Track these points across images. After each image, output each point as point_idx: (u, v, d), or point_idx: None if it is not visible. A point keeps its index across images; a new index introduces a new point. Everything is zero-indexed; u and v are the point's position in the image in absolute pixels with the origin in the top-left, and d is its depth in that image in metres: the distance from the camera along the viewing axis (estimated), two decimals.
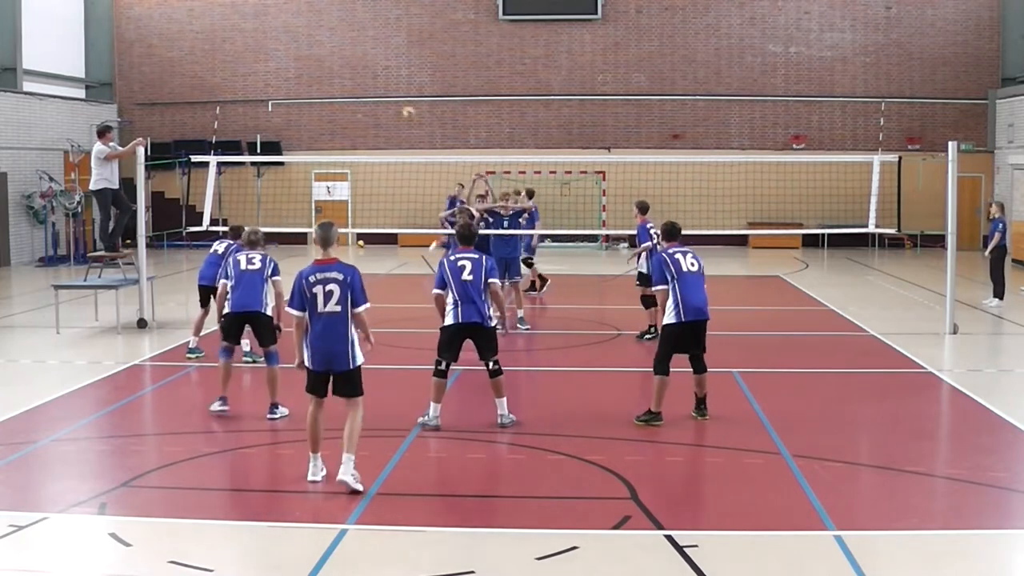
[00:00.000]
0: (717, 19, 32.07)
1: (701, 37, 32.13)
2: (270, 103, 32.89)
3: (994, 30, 31.50)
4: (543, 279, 19.54)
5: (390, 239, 31.13)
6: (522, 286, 16.95)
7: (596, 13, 31.94)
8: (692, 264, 10.84)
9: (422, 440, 9.97)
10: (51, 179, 27.57)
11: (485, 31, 32.44)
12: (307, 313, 8.56)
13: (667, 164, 27.21)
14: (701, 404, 10.84)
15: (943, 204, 21.88)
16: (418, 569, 6.92)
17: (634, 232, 16.11)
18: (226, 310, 11.27)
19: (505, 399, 10.54)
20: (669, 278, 10.65)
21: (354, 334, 8.70)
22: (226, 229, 13.61)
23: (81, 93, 32.41)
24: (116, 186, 16.93)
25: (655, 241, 15.05)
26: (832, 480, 8.79)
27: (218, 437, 10.33)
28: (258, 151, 32.14)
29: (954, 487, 8.79)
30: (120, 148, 18.14)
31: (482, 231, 16.44)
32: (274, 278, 11.19)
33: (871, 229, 18.08)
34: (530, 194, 19.26)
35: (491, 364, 10.43)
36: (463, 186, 19.62)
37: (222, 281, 11.37)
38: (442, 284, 10.39)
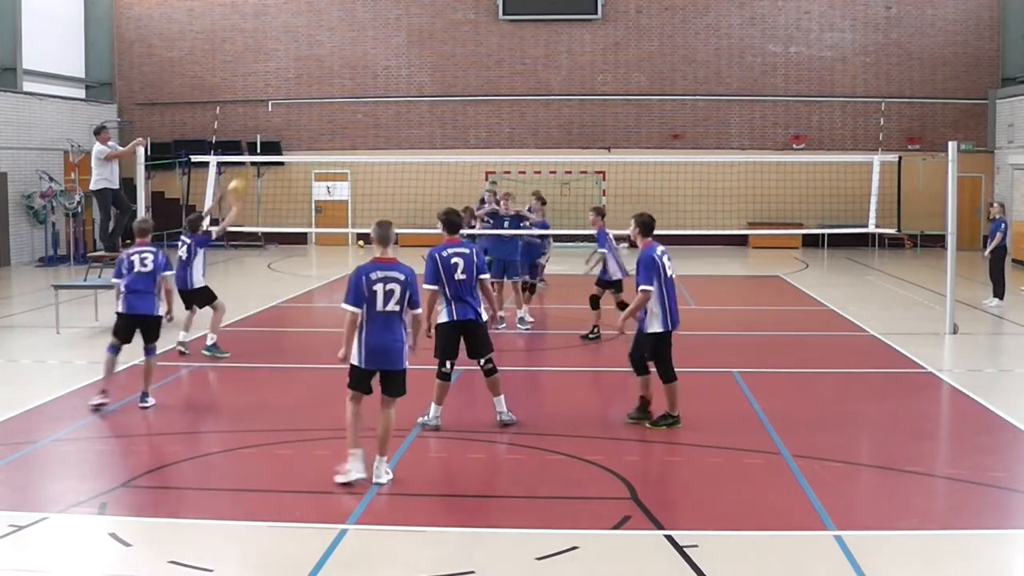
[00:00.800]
0: (717, 19, 32.08)
1: (701, 37, 32.13)
2: (270, 103, 32.90)
3: (994, 30, 31.51)
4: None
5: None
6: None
7: (596, 13, 31.94)
8: (671, 269, 10.48)
9: (422, 440, 9.97)
10: (51, 179, 27.57)
11: (485, 31, 32.44)
12: (363, 310, 8.57)
13: (667, 164, 27.21)
14: (670, 414, 10.45)
15: (943, 204, 21.88)
16: (418, 569, 6.91)
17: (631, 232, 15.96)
18: (120, 309, 11.37)
19: (503, 397, 10.50)
20: (656, 280, 10.16)
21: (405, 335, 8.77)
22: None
23: (81, 93, 32.42)
24: (116, 186, 16.92)
25: (614, 247, 15.14)
26: (832, 480, 8.79)
27: (218, 437, 10.33)
28: (258, 151, 32.14)
29: (954, 487, 8.79)
30: (120, 148, 18.14)
31: (482, 231, 16.46)
32: (164, 273, 11.40)
33: (871, 229, 18.08)
34: (541, 199, 17.99)
35: (484, 363, 10.36)
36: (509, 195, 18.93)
37: (115, 281, 11.45)
38: (436, 280, 10.08)
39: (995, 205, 20.18)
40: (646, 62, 32.25)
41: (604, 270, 15.28)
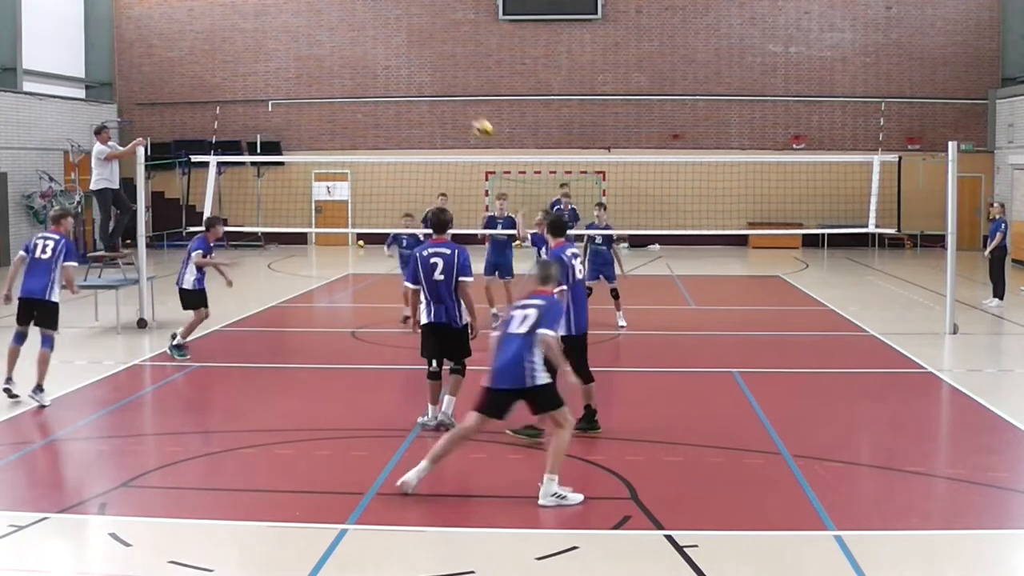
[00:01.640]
0: (717, 19, 32.08)
1: (701, 37, 32.13)
2: (270, 103, 32.89)
3: (994, 30, 31.50)
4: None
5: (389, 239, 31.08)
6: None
7: (596, 13, 31.94)
8: (580, 271, 10.03)
9: (422, 440, 9.96)
10: (51, 179, 27.57)
11: (485, 31, 32.44)
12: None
13: (667, 164, 27.22)
14: (593, 416, 10.21)
15: (943, 204, 21.86)
16: (418, 569, 6.91)
17: (637, 232, 16.05)
18: (19, 294, 11.70)
19: (455, 400, 10.24)
20: (564, 282, 9.70)
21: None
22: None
23: (81, 93, 32.42)
24: (116, 186, 16.93)
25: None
26: (832, 480, 8.79)
27: (218, 437, 10.33)
28: (258, 151, 32.13)
29: (954, 487, 8.79)
30: (120, 148, 18.13)
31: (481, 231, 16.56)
32: (65, 263, 11.64)
33: (871, 229, 18.09)
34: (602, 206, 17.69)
35: (453, 365, 10.26)
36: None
37: (20, 254, 11.80)
38: (415, 279, 10.11)
39: (995, 205, 20.18)
40: (646, 62, 32.25)
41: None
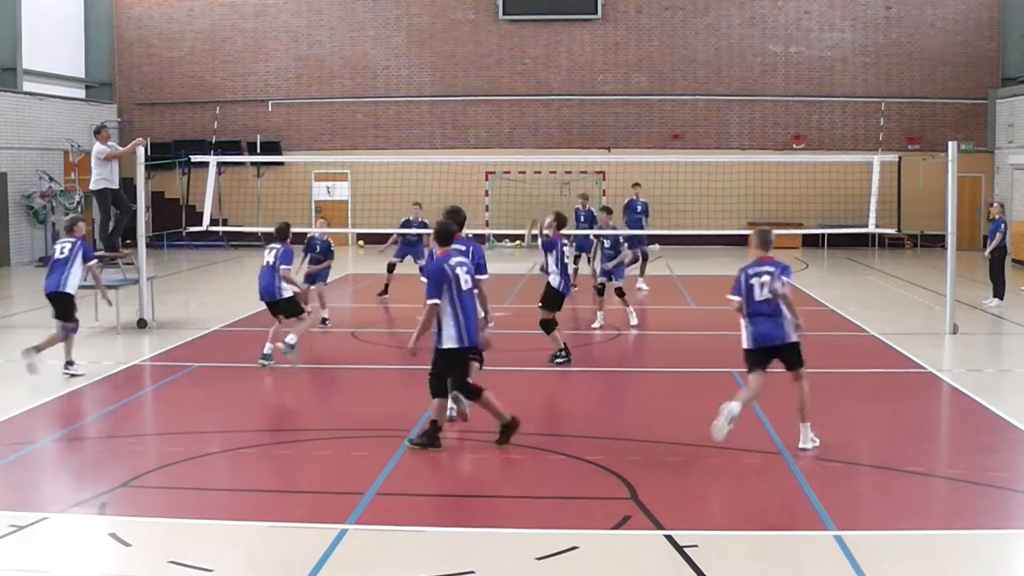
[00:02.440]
0: (717, 19, 32.08)
1: (701, 37, 32.14)
2: (270, 103, 32.90)
3: (994, 30, 31.51)
4: None
5: (388, 239, 31.07)
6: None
7: (596, 13, 31.95)
8: (466, 280, 9.39)
9: None
10: (51, 179, 27.58)
11: (485, 31, 32.45)
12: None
13: (667, 164, 27.21)
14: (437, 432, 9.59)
15: (943, 204, 21.86)
16: (418, 569, 6.91)
17: (637, 232, 16.16)
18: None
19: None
20: (447, 293, 9.27)
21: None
22: (271, 231, 13.99)
23: (81, 93, 32.42)
24: (116, 186, 16.93)
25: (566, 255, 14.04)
26: (832, 480, 8.79)
27: (218, 437, 10.33)
28: (258, 151, 32.14)
29: (954, 487, 8.79)
30: (120, 148, 18.13)
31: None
32: (87, 263, 13.14)
33: (871, 229, 18.07)
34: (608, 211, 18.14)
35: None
36: (587, 196, 21.20)
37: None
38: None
39: (995, 205, 20.17)
40: (646, 62, 32.25)
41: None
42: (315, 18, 32.78)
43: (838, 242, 30.61)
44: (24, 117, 27.76)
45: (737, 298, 9.84)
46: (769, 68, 32.07)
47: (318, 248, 16.71)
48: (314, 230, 17.29)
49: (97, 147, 16.59)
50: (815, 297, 20.42)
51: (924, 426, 11.00)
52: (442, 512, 8.17)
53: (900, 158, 21.06)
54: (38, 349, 12.61)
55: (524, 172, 30.76)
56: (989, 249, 19.14)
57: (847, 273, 25.45)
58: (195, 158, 20.64)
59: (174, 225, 31.01)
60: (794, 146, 31.84)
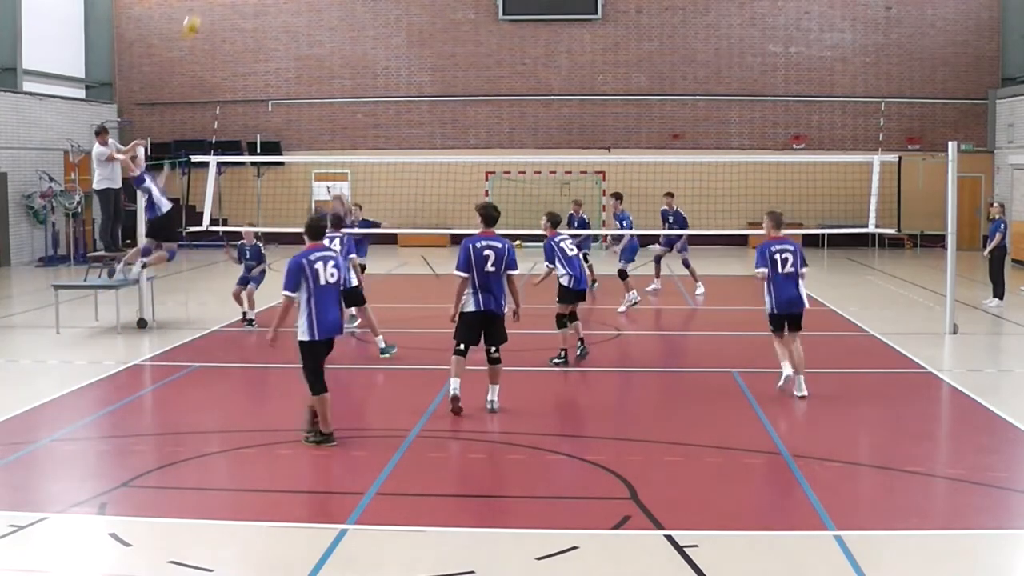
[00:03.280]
0: (717, 19, 32.08)
1: (701, 37, 32.13)
2: (270, 103, 32.90)
3: (994, 30, 31.51)
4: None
5: (390, 239, 31.10)
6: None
7: (596, 13, 31.95)
8: (331, 275, 9.68)
9: (422, 440, 9.97)
10: (51, 179, 27.57)
11: (485, 31, 32.45)
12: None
13: (667, 164, 27.19)
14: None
15: (943, 204, 21.86)
16: (418, 569, 6.91)
17: (636, 232, 16.35)
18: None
19: (499, 387, 10.89)
20: (304, 286, 9.59)
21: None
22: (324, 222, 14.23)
23: (81, 93, 32.42)
24: (119, 186, 16.95)
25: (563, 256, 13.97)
26: (832, 480, 8.79)
27: (218, 437, 10.33)
28: (258, 151, 32.13)
29: (954, 487, 8.79)
30: (120, 146, 18.10)
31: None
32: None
33: (871, 229, 18.06)
34: (619, 197, 19.87)
35: (494, 351, 10.81)
36: (580, 203, 21.79)
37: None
38: (466, 268, 10.57)
39: (995, 205, 20.16)
40: (646, 62, 32.25)
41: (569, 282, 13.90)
42: (315, 18, 32.78)
43: (838, 242, 30.61)
44: (24, 117, 27.75)
45: (764, 269, 11.72)
46: (769, 68, 32.07)
47: (248, 255, 16.99)
48: (245, 229, 17.64)
49: (96, 148, 16.58)
50: (815, 297, 20.39)
51: (924, 426, 11.00)
52: (442, 512, 8.17)
53: (900, 158, 21.06)
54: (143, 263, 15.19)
55: (524, 172, 30.77)
56: (989, 249, 19.14)
57: (847, 273, 25.46)
58: (195, 158, 20.62)
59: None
60: (794, 146, 31.84)
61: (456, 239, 28.35)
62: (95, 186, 16.79)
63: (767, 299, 11.86)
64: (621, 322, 17.33)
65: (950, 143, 16.60)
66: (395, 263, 27.09)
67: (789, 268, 11.71)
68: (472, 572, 6.80)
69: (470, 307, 10.66)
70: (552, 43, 32.37)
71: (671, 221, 20.83)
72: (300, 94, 32.87)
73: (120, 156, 16.55)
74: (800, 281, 11.81)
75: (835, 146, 31.89)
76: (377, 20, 32.65)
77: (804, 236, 30.63)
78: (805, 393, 11.52)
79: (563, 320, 13.76)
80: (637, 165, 27.99)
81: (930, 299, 19.82)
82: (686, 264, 20.60)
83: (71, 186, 27.98)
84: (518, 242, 17.22)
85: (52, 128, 28.75)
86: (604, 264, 22.43)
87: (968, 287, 20.85)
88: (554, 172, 30.87)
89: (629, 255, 18.81)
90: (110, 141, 16.91)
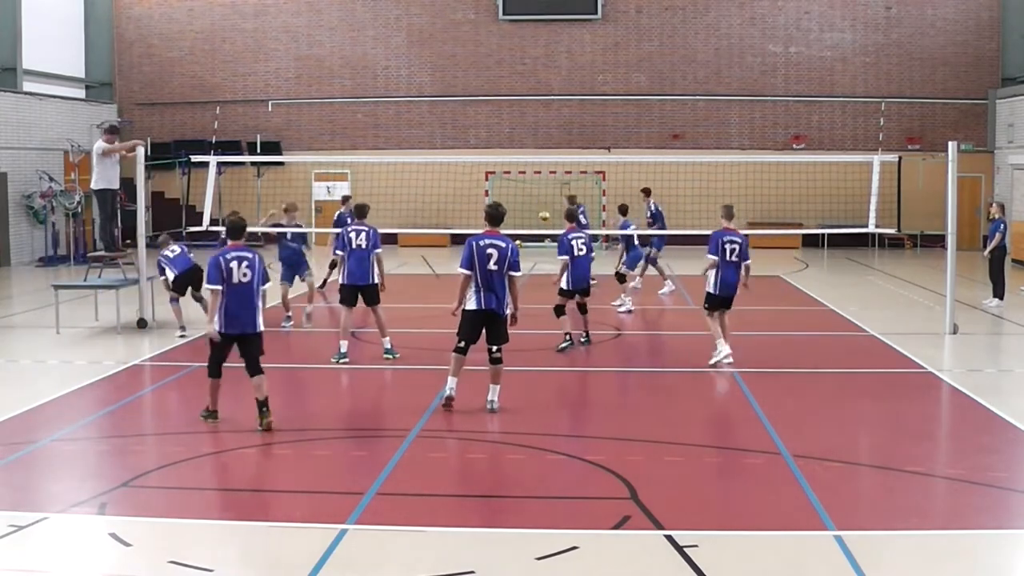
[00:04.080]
0: (717, 19, 32.08)
1: (701, 37, 32.13)
2: (270, 103, 32.90)
3: (994, 30, 31.51)
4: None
5: (390, 239, 31.07)
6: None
7: (596, 13, 31.94)
8: (244, 274, 10.42)
9: (422, 440, 9.97)
10: (51, 179, 27.57)
11: (485, 31, 32.44)
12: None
13: (667, 164, 27.20)
14: (263, 408, 10.29)
15: (943, 204, 21.87)
16: (418, 569, 6.91)
17: (637, 232, 16.35)
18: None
19: (499, 388, 10.91)
20: (221, 282, 10.41)
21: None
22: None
23: (81, 93, 32.42)
24: (117, 186, 16.94)
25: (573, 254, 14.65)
26: (832, 480, 8.79)
27: (218, 437, 10.32)
28: (258, 151, 32.13)
29: (954, 487, 8.79)
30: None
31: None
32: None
33: (871, 229, 18.07)
34: (623, 210, 19.48)
35: (495, 350, 10.85)
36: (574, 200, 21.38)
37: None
38: (470, 265, 10.70)
39: (994, 205, 20.16)
40: (646, 62, 32.25)
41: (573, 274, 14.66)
42: (315, 18, 32.78)
43: (838, 242, 30.60)
44: (24, 117, 27.75)
45: (715, 257, 13.31)
46: (769, 68, 32.07)
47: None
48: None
49: (98, 143, 16.62)
50: (815, 297, 20.43)
51: (924, 426, 11.00)
52: (442, 512, 8.17)
53: (900, 158, 21.07)
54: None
55: (524, 172, 30.76)
56: (989, 249, 19.14)
57: (847, 273, 25.45)
58: (195, 158, 20.63)
59: (174, 225, 30.96)
60: (794, 146, 31.84)
61: (456, 239, 28.37)
62: (93, 186, 16.80)
63: (712, 282, 13.37)
64: (621, 322, 17.33)
65: (950, 143, 16.59)
66: (395, 263, 27.08)
67: (735, 257, 13.39)
68: (472, 572, 6.80)
69: (471, 305, 10.77)
70: (552, 43, 32.37)
71: (651, 219, 20.86)
72: (300, 94, 32.87)
73: (116, 146, 16.63)
74: (740, 271, 13.48)
75: (835, 146, 31.89)
76: (377, 20, 32.65)
77: (804, 236, 30.67)
78: (729, 359, 13.23)
79: (561, 309, 14.58)
80: (637, 165, 27.99)
81: (930, 299, 19.82)
82: (653, 261, 20.59)
83: (71, 186, 27.98)
84: (518, 241, 17.23)
85: (52, 128, 28.75)
86: (603, 264, 22.40)
87: (968, 287, 20.85)
88: (554, 172, 30.87)
89: (632, 263, 18.87)
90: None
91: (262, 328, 10.55)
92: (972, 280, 22.28)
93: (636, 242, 19.08)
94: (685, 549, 7.12)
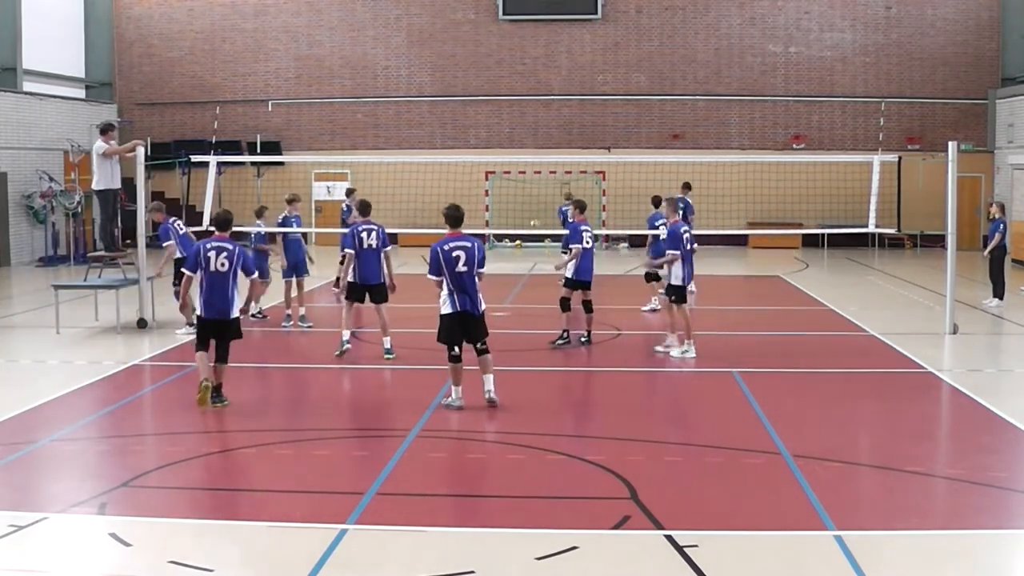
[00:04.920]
0: (717, 19, 32.08)
1: (701, 37, 32.14)
2: (270, 103, 32.90)
3: (994, 30, 31.51)
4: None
5: (390, 239, 31.05)
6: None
7: (596, 13, 31.95)
8: (223, 264, 11.15)
9: (422, 440, 9.97)
10: (51, 179, 27.57)
11: (485, 31, 32.45)
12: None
13: (667, 164, 27.20)
14: (217, 391, 11.14)
15: (943, 204, 21.88)
16: (418, 569, 6.91)
17: (637, 232, 16.32)
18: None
19: (492, 376, 10.99)
20: (202, 271, 11.12)
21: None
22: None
23: (81, 93, 32.42)
24: (118, 186, 16.93)
25: (590, 245, 14.87)
26: (832, 480, 8.79)
27: (218, 437, 10.33)
28: (258, 151, 32.13)
29: (954, 487, 8.79)
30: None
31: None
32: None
33: (871, 229, 18.08)
34: (656, 202, 19.18)
35: (480, 345, 10.95)
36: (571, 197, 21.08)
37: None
38: (438, 271, 10.77)
39: (994, 205, 20.17)
40: (646, 62, 32.25)
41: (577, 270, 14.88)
42: (315, 18, 32.78)
43: (838, 242, 30.61)
44: (24, 117, 27.75)
45: (678, 251, 13.62)
46: (769, 68, 32.07)
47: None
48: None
49: (97, 144, 16.62)
50: (815, 297, 20.43)
51: (924, 426, 11.00)
52: (442, 512, 8.17)
53: (900, 158, 21.10)
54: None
55: (524, 172, 30.77)
56: (988, 249, 19.14)
57: (847, 273, 25.45)
58: (195, 158, 20.64)
59: None
60: (794, 146, 31.85)
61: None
62: (94, 187, 16.80)
63: (678, 274, 13.71)
64: (621, 322, 17.32)
65: (950, 143, 16.60)
66: (395, 263, 27.05)
67: (693, 245, 13.98)
68: (472, 572, 6.80)
69: (447, 309, 10.83)
70: (552, 43, 32.37)
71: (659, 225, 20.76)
72: (300, 94, 32.88)
73: (116, 148, 16.64)
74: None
75: (835, 146, 31.89)
76: (377, 20, 32.66)
77: (804, 236, 30.67)
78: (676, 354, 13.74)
79: (567, 303, 14.73)
80: (637, 165, 28.00)
81: (930, 299, 19.82)
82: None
83: (71, 186, 27.98)
84: (518, 242, 17.24)
85: (52, 128, 28.75)
86: (603, 264, 22.41)
87: (968, 287, 20.85)
88: (554, 172, 30.87)
89: (657, 255, 18.54)
90: (112, 141, 16.93)
91: (238, 315, 11.15)
92: (972, 280, 22.28)
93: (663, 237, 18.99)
94: (685, 549, 7.12)
